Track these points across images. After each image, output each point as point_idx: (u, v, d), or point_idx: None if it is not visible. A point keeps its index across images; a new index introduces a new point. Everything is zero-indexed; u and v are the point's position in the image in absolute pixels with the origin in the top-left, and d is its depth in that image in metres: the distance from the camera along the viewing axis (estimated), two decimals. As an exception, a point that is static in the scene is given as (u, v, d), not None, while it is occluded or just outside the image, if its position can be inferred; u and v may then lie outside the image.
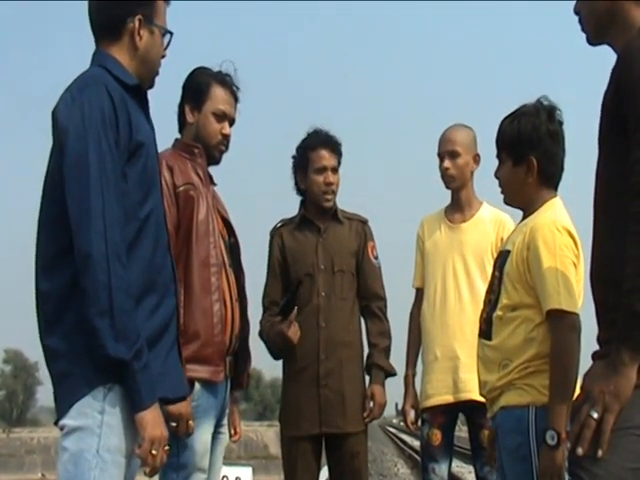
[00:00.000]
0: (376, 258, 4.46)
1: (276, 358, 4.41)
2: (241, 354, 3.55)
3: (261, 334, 4.35)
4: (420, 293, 4.42)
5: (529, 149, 3.12)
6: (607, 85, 2.27)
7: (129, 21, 2.56)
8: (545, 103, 3.18)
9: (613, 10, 2.34)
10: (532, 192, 3.16)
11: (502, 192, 3.27)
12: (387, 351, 4.39)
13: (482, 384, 3.18)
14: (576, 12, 2.45)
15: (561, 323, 2.95)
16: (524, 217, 3.21)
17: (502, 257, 3.17)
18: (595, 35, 2.42)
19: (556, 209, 3.13)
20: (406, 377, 4.42)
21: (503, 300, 3.08)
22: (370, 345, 4.39)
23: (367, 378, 4.40)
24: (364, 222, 4.50)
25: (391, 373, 4.40)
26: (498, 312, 3.09)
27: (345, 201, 4.50)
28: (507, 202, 3.30)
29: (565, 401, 2.81)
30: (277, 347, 4.31)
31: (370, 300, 4.41)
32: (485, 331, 3.15)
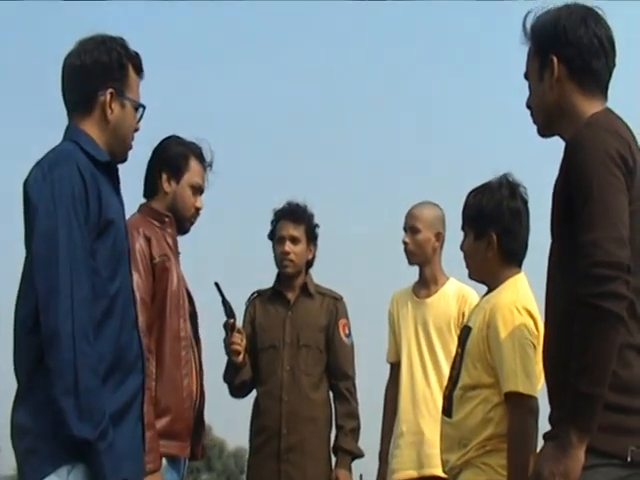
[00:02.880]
0: (347, 336, 4.41)
1: (236, 394, 4.36)
2: (197, 425, 3.51)
3: (225, 377, 4.28)
4: (395, 368, 4.44)
5: (489, 224, 3.14)
6: (558, 173, 2.33)
7: (100, 94, 2.57)
8: (510, 179, 3.20)
9: (562, 103, 2.41)
10: (494, 267, 3.17)
11: (466, 266, 3.29)
12: (354, 433, 4.34)
13: (444, 462, 3.17)
14: (528, 106, 2.51)
15: (518, 406, 2.96)
16: (487, 292, 3.23)
17: (464, 333, 3.18)
18: (545, 127, 2.49)
19: (518, 288, 3.14)
20: (380, 453, 4.42)
21: (464, 378, 3.08)
22: (337, 427, 4.35)
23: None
24: (337, 299, 4.45)
25: (358, 455, 4.35)
26: (458, 390, 3.09)
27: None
28: (470, 276, 3.32)
29: None
30: (232, 369, 4.21)
31: (338, 379, 4.37)
32: (447, 408, 3.14)
